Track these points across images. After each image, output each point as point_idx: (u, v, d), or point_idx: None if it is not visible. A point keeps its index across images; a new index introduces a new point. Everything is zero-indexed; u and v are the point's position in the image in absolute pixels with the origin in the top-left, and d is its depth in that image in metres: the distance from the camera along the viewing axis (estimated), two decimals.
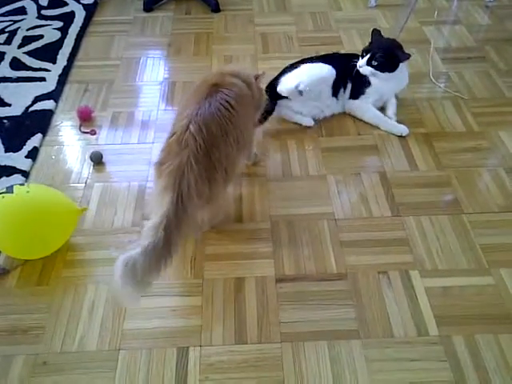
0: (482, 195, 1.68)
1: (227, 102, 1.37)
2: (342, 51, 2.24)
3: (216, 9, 2.66)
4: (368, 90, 1.93)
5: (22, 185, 1.48)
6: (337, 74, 1.92)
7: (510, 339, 1.30)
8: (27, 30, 2.49)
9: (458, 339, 1.31)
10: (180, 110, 1.42)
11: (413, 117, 1.99)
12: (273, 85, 1.94)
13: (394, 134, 1.91)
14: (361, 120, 1.97)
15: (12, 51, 2.34)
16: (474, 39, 2.41)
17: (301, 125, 1.95)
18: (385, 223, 1.60)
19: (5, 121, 1.98)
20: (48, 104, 2.06)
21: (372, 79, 1.91)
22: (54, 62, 2.28)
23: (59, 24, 2.53)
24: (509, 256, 1.49)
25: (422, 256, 1.50)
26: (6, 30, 2.48)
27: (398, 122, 1.93)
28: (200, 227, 1.53)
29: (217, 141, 1.32)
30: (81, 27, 2.51)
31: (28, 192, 1.45)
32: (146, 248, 1.20)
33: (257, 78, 1.62)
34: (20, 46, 2.37)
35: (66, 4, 2.68)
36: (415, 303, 1.39)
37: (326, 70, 1.92)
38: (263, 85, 1.73)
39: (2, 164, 1.80)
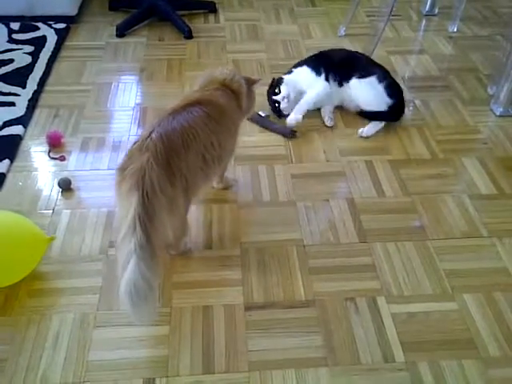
0: (447, 221, 1.72)
1: (193, 121, 1.41)
2: None
3: (189, 35, 2.70)
4: None
5: None
6: None
7: (473, 364, 1.33)
8: None
9: (423, 365, 1.32)
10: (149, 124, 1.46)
11: (380, 144, 2.04)
12: None
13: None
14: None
15: None
16: (439, 69, 2.50)
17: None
18: (352, 249, 1.62)
19: None
20: (17, 129, 2.04)
21: None
22: (23, 86, 2.26)
23: (30, 48, 2.52)
24: (472, 281, 1.53)
25: (388, 282, 1.53)
26: None
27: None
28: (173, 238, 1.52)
29: (178, 150, 1.35)
30: (52, 52, 2.50)
31: None
32: (135, 252, 1.21)
33: (252, 82, 1.68)
34: None
35: (38, 28, 2.68)
36: (381, 329, 1.40)
37: None
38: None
39: None
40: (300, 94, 2.12)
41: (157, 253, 1.27)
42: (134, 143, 1.37)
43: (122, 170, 1.33)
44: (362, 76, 2.10)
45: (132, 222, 1.24)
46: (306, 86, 2.14)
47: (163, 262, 1.39)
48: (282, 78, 2.15)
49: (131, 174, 1.29)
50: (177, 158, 1.35)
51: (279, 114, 2.14)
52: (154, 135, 1.34)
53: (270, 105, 2.16)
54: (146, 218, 1.24)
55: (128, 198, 1.28)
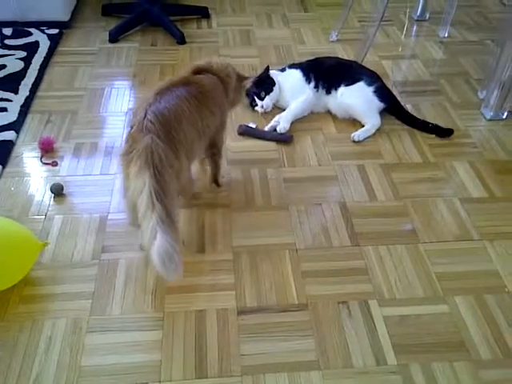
0: (438, 224, 1.73)
1: (178, 99, 1.49)
2: None
3: (181, 41, 2.70)
4: None
5: None
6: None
7: (465, 366, 1.34)
8: None
9: (415, 368, 1.33)
10: (136, 106, 1.56)
11: (371, 148, 2.05)
12: None
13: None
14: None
15: None
16: (430, 73, 2.52)
17: None
18: (344, 253, 1.63)
19: None
20: (9, 135, 2.03)
21: None
22: (16, 92, 2.26)
23: (23, 54, 2.52)
24: (463, 284, 1.54)
25: (380, 285, 1.53)
26: None
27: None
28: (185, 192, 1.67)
29: (173, 125, 1.45)
30: (45, 57, 2.50)
31: None
32: (159, 226, 1.30)
33: (243, 79, 1.80)
34: None
35: (31, 34, 2.68)
36: (374, 333, 1.41)
37: None
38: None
39: None
40: (281, 93, 2.20)
41: (175, 220, 1.38)
42: (131, 127, 1.44)
43: (127, 153, 1.40)
44: (350, 83, 2.13)
45: (149, 199, 1.32)
46: (293, 91, 2.18)
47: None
48: (273, 84, 2.17)
49: (139, 154, 1.36)
50: (175, 132, 1.45)
51: (251, 103, 2.20)
52: (149, 116, 1.42)
53: (249, 92, 2.16)
54: (161, 192, 1.34)
55: (139, 176, 1.35)
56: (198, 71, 1.65)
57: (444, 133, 2.10)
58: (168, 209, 1.34)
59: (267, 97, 2.16)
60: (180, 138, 1.46)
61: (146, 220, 1.33)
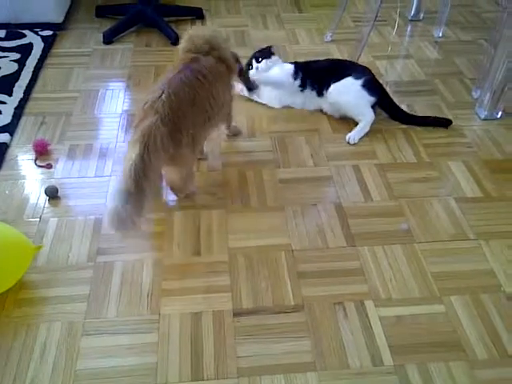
0: (433, 224, 1.74)
1: (198, 72, 1.61)
2: None
3: (176, 42, 2.69)
4: None
5: None
6: None
7: (461, 366, 1.34)
8: None
9: (411, 368, 1.33)
10: (156, 84, 1.61)
11: (366, 148, 2.05)
12: None
13: None
14: None
15: None
16: (424, 73, 2.53)
17: None
18: (340, 254, 1.63)
19: None
20: (3, 137, 2.02)
21: None
22: (10, 94, 2.25)
23: (16, 56, 2.51)
24: (458, 283, 1.54)
25: (376, 286, 1.53)
26: None
27: None
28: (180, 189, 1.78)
29: (185, 110, 1.54)
30: (39, 59, 2.49)
31: None
32: (123, 194, 1.41)
33: (237, 60, 1.93)
34: None
35: (24, 36, 2.67)
36: (370, 333, 1.41)
37: None
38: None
39: None
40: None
41: (144, 198, 1.45)
42: (146, 103, 1.52)
43: (136, 127, 1.50)
44: (339, 79, 2.12)
45: (128, 170, 1.41)
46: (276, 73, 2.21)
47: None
48: (273, 54, 2.21)
49: (140, 129, 1.46)
50: (183, 118, 1.53)
51: (248, 67, 2.23)
52: (163, 96, 1.51)
53: (247, 63, 2.23)
54: (141, 172, 1.41)
55: (130, 150, 1.44)
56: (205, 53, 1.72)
57: (441, 122, 2.13)
58: (141, 187, 1.41)
59: (264, 60, 2.18)
60: (188, 124, 1.54)
61: (118, 183, 1.44)
